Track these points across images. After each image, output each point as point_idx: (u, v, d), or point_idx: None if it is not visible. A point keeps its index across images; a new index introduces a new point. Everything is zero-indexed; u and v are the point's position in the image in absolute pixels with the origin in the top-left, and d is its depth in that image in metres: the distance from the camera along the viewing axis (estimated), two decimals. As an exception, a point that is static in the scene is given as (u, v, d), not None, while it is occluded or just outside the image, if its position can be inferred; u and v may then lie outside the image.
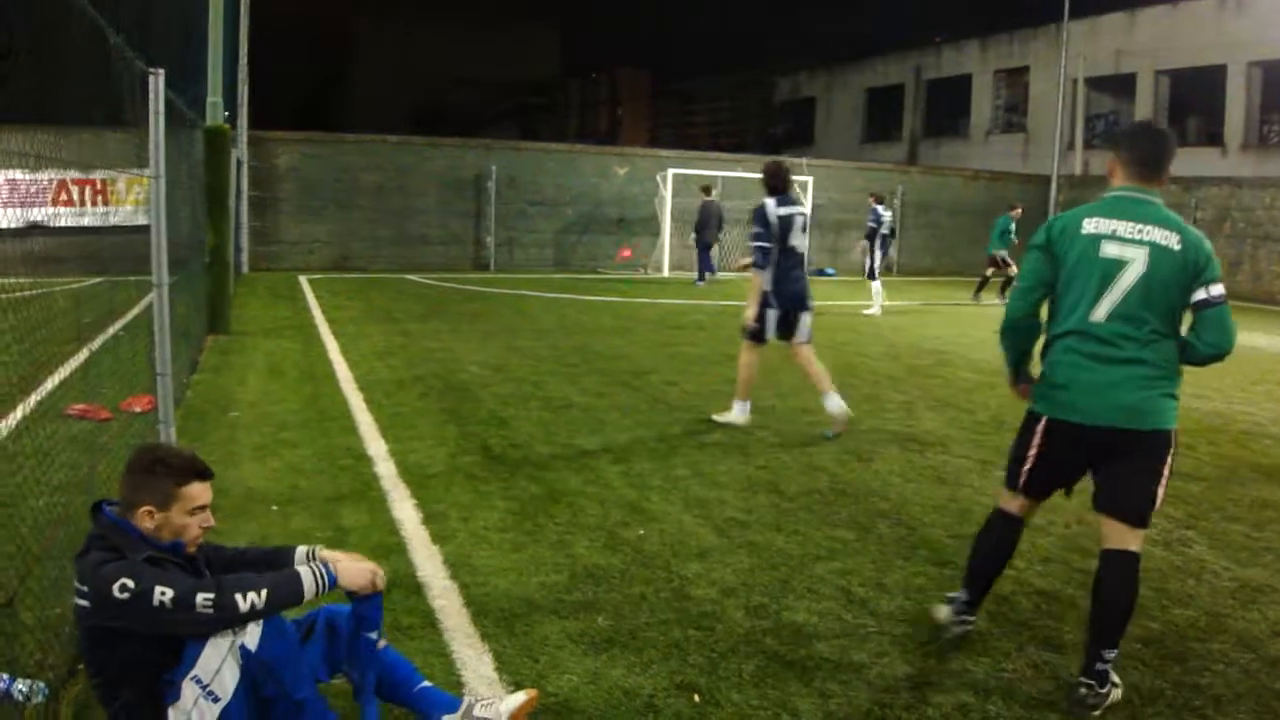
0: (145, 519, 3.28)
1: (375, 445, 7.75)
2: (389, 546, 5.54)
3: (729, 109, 65.65)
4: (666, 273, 25.89)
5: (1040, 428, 4.35)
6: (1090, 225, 4.15)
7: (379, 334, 13.75)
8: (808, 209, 8.84)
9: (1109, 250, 4.10)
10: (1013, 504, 4.54)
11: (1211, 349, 4.18)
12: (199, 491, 3.38)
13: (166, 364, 7.48)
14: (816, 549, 5.69)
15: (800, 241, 8.70)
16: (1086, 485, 4.40)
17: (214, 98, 13.86)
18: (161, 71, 7.21)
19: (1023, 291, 4.43)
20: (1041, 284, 4.34)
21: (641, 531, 5.87)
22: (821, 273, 28.63)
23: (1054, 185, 33.06)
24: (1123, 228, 4.10)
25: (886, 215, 19.34)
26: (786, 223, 8.58)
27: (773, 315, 8.70)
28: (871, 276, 19.11)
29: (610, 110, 79.75)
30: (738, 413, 8.92)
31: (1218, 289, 4.12)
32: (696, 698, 3.98)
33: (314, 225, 24.79)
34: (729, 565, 5.39)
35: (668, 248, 26.24)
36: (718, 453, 7.82)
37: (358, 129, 31.40)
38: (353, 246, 25.06)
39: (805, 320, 8.82)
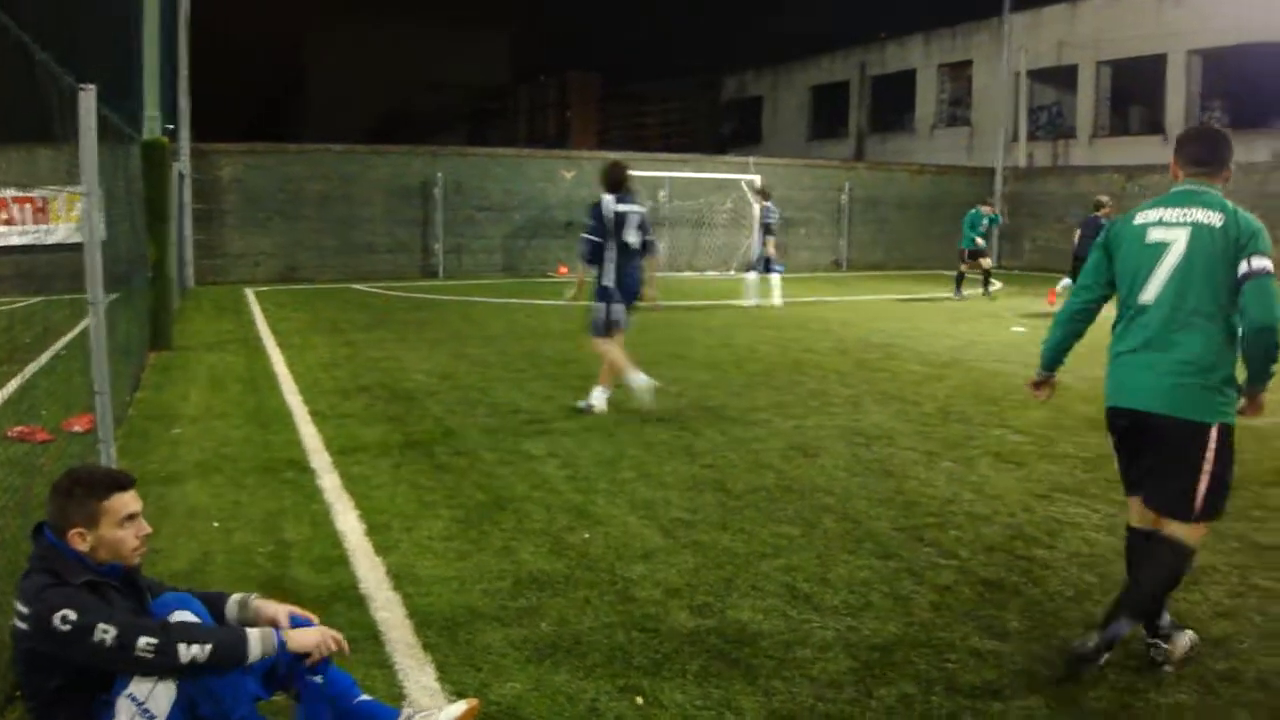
0: (78, 540, 3.24)
1: (319, 458, 7.67)
2: (332, 559, 5.48)
3: (678, 110, 65.74)
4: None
5: (1108, 420, 4.54)
6: (1140, 217, 4.35)
7: (325, 345, 13.63)
8: (643, 209, 9.51)
9: (1154, 235, 4.25)
10: (1131, 514, 4.57)
11: (1252, 324, 4.09)
12: (124, 502, 3.33)
13: (105, 382, 7.36)
14: (762, 546, 5.69)
15: (634, 238, 9.21)
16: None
17: (151, 111, 13.69)
18: (93, 87, 7.10)
19: (1079, 289, 4.61)
20: (1097, 282, 4.50)
21: (587, 535, 5.84)
22: (769, 269, 28.70)
23: (999, 177, 33.37)
24: (1169, 214, 4.25)
25: (776, 212, 19.79)
26: (621, 219, 9.16)
27: (618, 309, 9.31)
28: (769, 270, 19.35)
29: (560, 113, 79.65)
30: (597, 398, 9.37)
31: (1259, 261, 4.09)
32: (639, 700, 3.95)
33: (259, 237, 24.56)
34: (674, 566, 5.37)
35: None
36: (664, 453, 7.80)
37: (310, 138, 31.16)
38: (299, 257, 24.85)
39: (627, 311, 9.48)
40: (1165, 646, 4.31)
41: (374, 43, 73.85)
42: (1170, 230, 4.20)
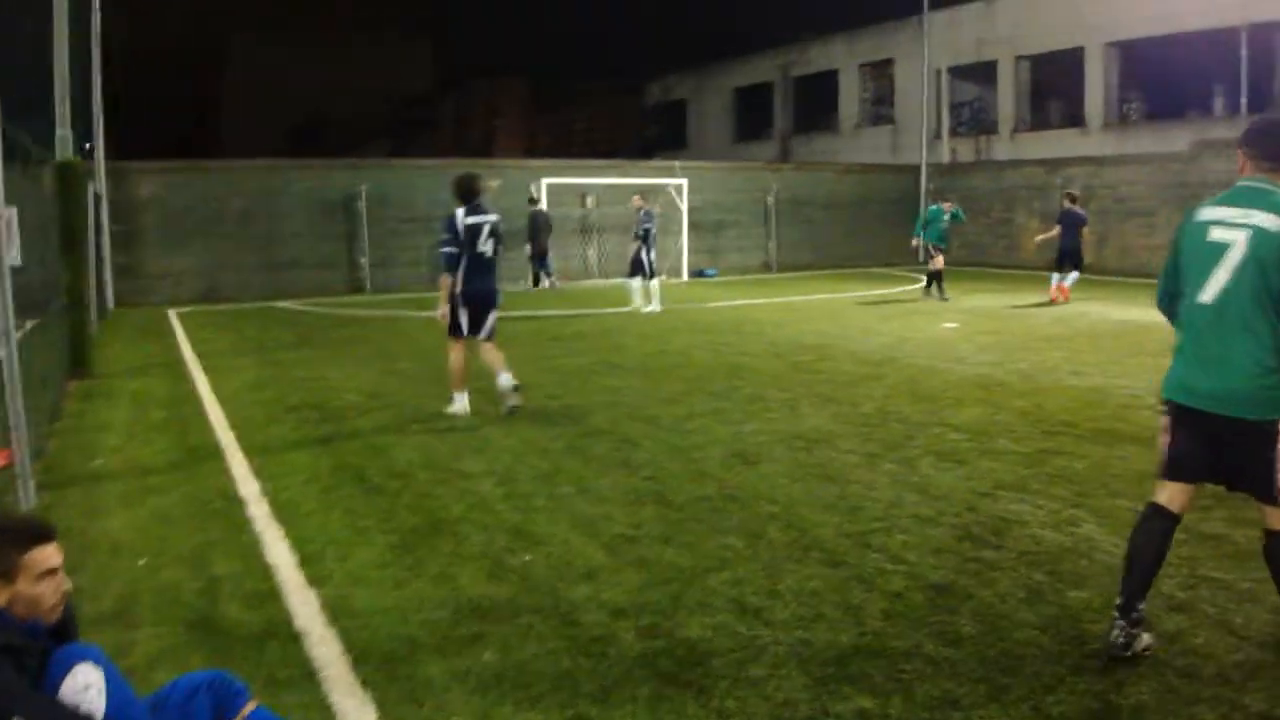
0: None
1: (247, 485, 7.42)
2: (263, 594, 5.26)
3: (604, 115, 65.62)
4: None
5: (1167, 410, 4.48)
6: (1203, 214, 4.33)
7: (250, 366, 13.31)
8: (495, 218, 9.94)
9: (1214, 235, 4.22)
10: (1161, 494, 4.51)
11: None
12: (45, 556, 3.12)
13: (20, 417, 7.08)
14: (707, 560, 5.56)
15: (487, 247, 9.67)
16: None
17: (63, 130, 13.26)
18: (-7, 107, 6.83)
19: (1160, 281, 4.60)
20: (1168, 276, 4.51)
21: (528, 556, 5.68)
22: (702, 274, 28.71)
23: (924, 174, 33.66)
24: (1230, 214, 4.22)
25: (653, 218, 19.59)
26: (474, 230, 9.58)
27: (464, 313, 9.75)
28: (650, 275, 19.21)
29: (486, 121, 79.11)
30: (458, 404, 9.79)
31: None
32: (589, 730, 3.81)
33: (180, 257, 23.99)
34: (618, 585, 5.22)
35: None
36: (601, 466, 7.65)
37: (229, 153, 30.59)
38: (221, 276, 24.31)
39: (491, 318, 9.91)
40: (1137, 635, 4.33)
41: (293, 54, 72.83)
42: (1230, 231, 4.18)
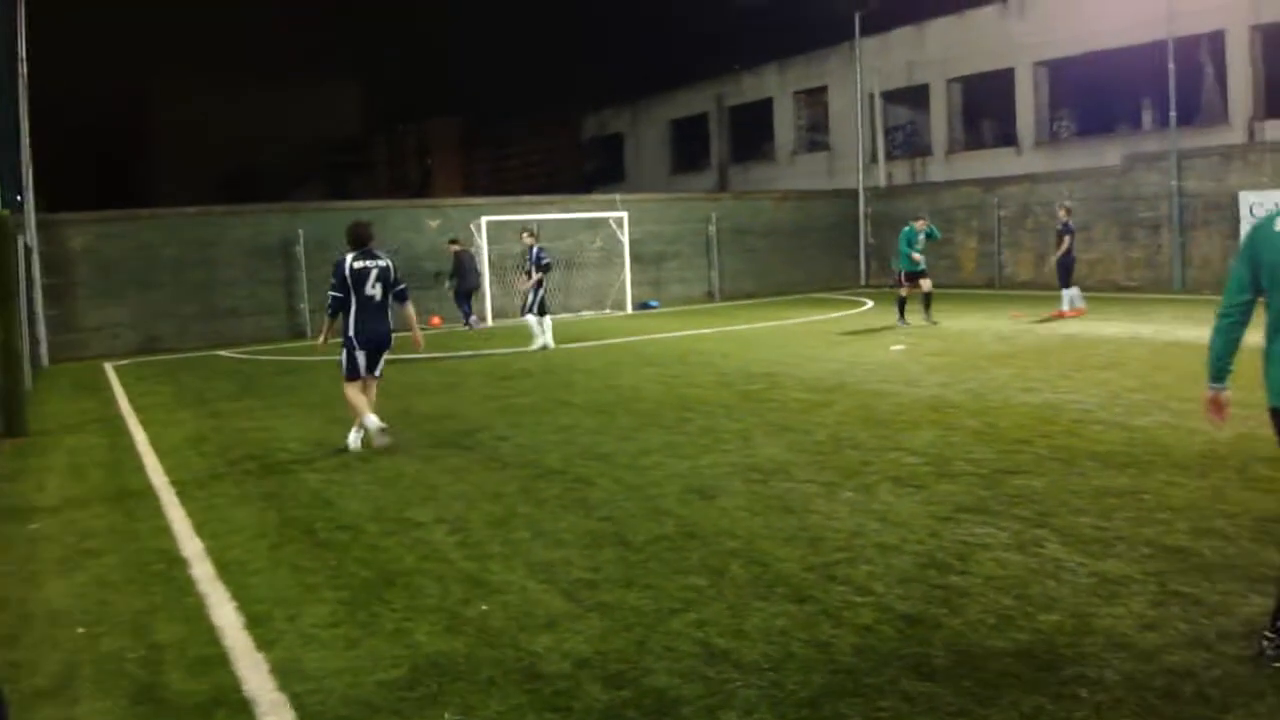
0: None
1: (190, 544, 7.16)
2: (209, 659, 5.04)
3: (540, 150, 65.60)
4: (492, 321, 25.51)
5: (1271, 417, 4.50)
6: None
7: (190, 419, 12.99)
8: (385, 263, 10.25)
9: None
10: None
11: None
12: None
13: (-55, 482, 6.81)
14: (670, 601, 5.41)
15: (375, 291, 10.03)
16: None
17: (-14, 185, 12.94)
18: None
19: (1225, 294, 4.58)
20: (1241, 288, 4.51)
21: (485, 607, 5.49)
22: (646, 306, 28.65)
23: (861, 199, 33.91)
24: None
25: (546, 253, 19.48)
26: (360, 275, 9.95)
27: (360, 355, 10.10)
28: (539, 312, 19.08)
29: (420, 161, 78.83)
30: (353, 439, 10.20)
31: None
32: (558, 792, 3.64)
33: (115, 308, 23.52)
34: (580, 632, 5.05)
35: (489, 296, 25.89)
36: (557, 508, 7.48)
37: (161, 202, 30.11)
38: (159, 327, 23.86)
39: (382, 359, 10.35)
40: None
41: (221, 102, 72.22)
42: None
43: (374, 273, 10.01)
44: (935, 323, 19.78)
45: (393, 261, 10.41)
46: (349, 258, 9.97)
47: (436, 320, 24.92)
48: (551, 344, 18.93)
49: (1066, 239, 20.37)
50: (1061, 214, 20.77)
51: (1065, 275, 20.48)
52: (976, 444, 8.89)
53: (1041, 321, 19.57)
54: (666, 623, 5.12)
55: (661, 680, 4.46)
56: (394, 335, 10.42)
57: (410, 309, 10.63)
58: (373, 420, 9.99)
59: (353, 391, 10.16)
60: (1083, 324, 18.41)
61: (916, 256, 20.02)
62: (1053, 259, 21.17)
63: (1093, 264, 27.15)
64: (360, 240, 10.13)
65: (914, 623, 4.97)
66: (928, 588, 5.43)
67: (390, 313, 10.30)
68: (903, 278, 20.28)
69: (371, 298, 9.99)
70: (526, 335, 20.66)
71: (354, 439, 10.18)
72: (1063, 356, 14.20)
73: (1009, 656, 4.52)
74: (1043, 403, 10.73)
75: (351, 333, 10.00)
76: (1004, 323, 19.52)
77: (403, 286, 10.40)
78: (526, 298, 19.12)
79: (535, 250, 19.05)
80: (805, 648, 4.72)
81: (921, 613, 5.09)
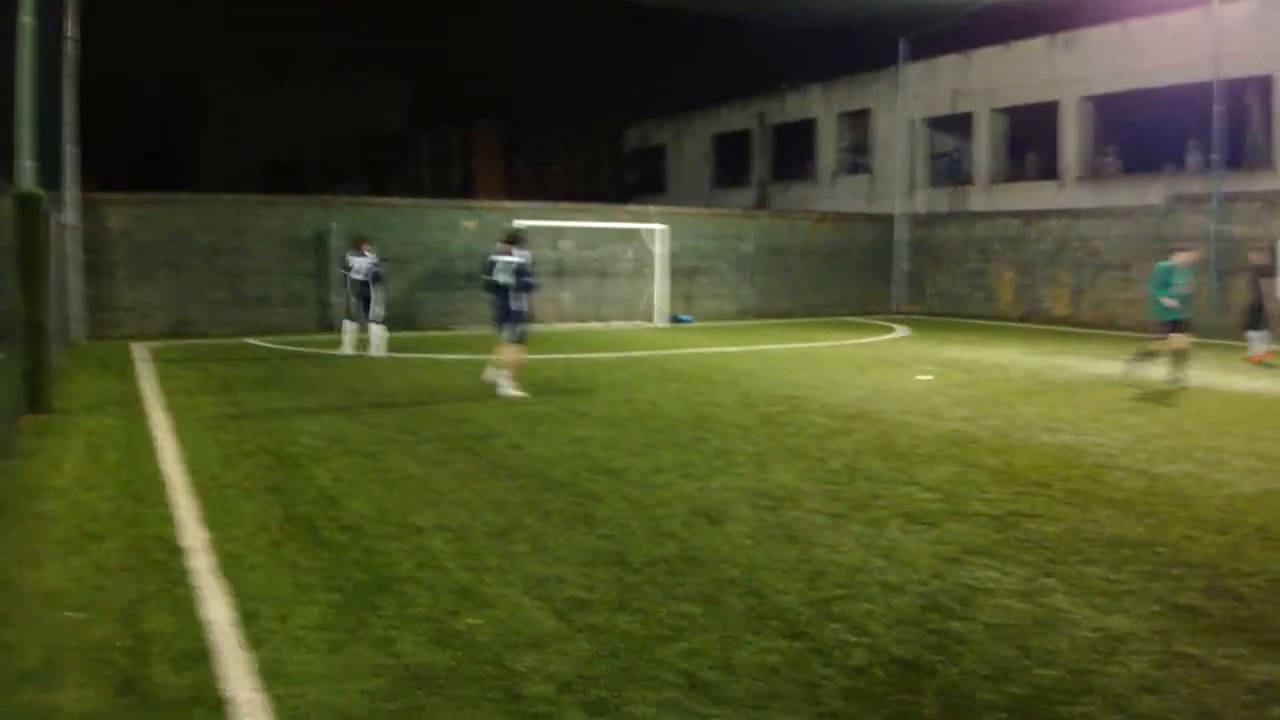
0: None
1: (192, 534, 7.14)
2: (194, 654, 4.99)
3: (582, 159, 65.64)
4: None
5: None
6: None
7: (212, 405, 13.03)
8: (513, 259, 13.70)
9: None
10: None
11: None
12: None
13: (-46, 457, 6.83)
14: (661, 628, 5.31)
15: (504, 278, 13.58)
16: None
17: (26, 160, 13.03)
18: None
19: None
20: None
21: (474, 620, 5.41)
22: (677, 319, 28.59)
23: (900, 224, 33.74)
24: None
25: (362, 262, 19.38)
26: (490, 266, 13.73)
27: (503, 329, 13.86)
28: (375, 321, 19.27)
29: (464, 163, 79.08)
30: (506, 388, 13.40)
31: None
32: (524, 820, 3.56)
33: (149, 290, 23.73)
34: (567, 654, 4.97)
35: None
36: (560, 522, 7.40)
37: (201, 188, 30.33)
38: (190, 311, 24.04)
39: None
40: None
41: (266, 91, 72.75)
42: None
43: (500, 264, 13.48)
44: (1180, 383, 15.06)
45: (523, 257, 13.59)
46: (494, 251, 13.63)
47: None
48: (362, 352, 19.18)
49: (1262, 282, 18.85)
50: (1256, 256, 19.65)
51: (1257, 318, 18.85)
52: (993, 483, 8.76)
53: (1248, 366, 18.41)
54: (654, 650, 5.03)
55: (642, 710, 4.37)
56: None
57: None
58: (506, 389, 13.58)
59: (512, 353, 13.70)
60: (1114, 365, 18.16)
61: (1171, 302, 15.12)
62: (1254, 300, 19.03)
63: (1130, 304, 26.89)
64: (509, 240, 13.73)
65: (908, 668, 4.86)
66: (925, 632, 5.31)
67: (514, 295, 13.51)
68: (1160, 328, 15.40)
69: (499, 283, 13.53)
70: (553, 343, 20.65)
71: (506, 389, 13.59)
72: (1091, 397, 14.01)
73: (1001, 711, 4.40)
74: (1065, 444, 10.57)
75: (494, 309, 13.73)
76: (1039, 358, 19.27)
77: (528, 279, 13.61)
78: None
79: (373, 260, 19.31)
80: (793, 687, 4.62)
81: (916, 658, 4.97)
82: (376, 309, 19.27)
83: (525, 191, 62.31)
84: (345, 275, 19.54)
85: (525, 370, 14.31)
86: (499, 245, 14.10)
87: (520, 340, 13.69)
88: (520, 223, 26.02)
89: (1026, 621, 5.48)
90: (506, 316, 13.66)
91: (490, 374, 14.14)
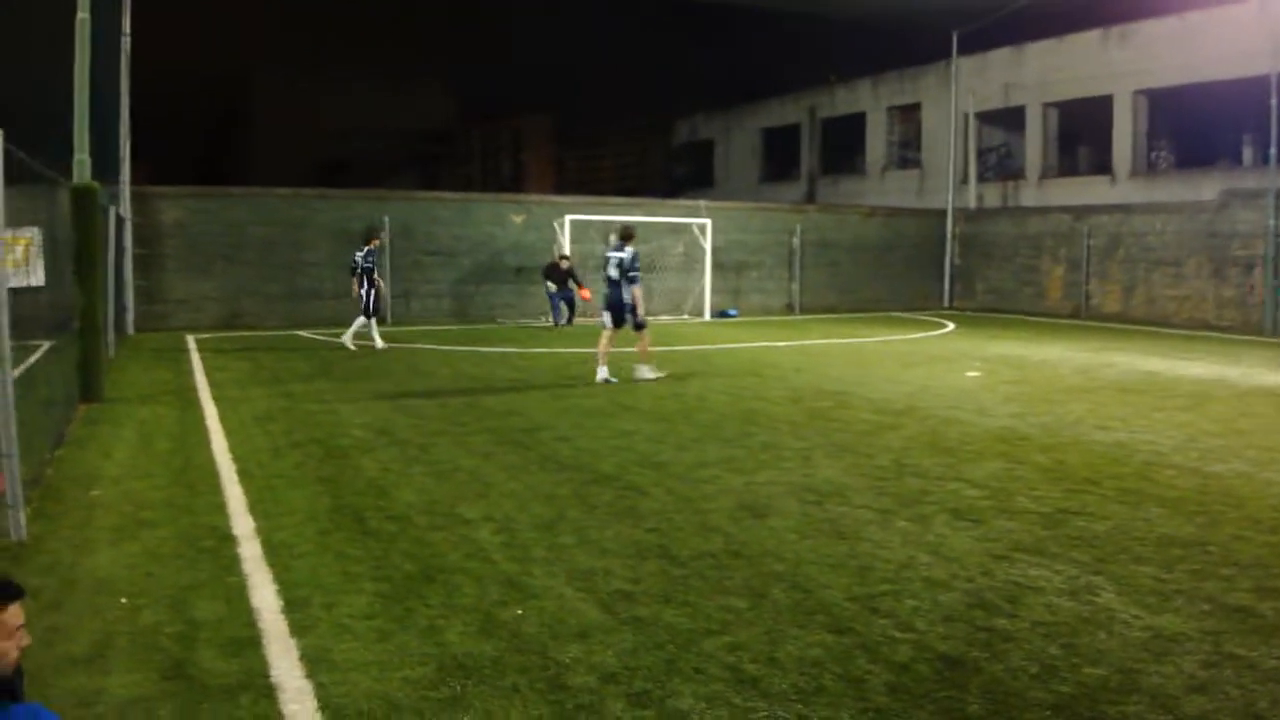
0: None
1: (242, 523, 7.24)
2: (243, 641, 5.06)
3: (631, 153, 65.67)
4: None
5: None
6: None
7: (262, 397, 13.17)
8: (619, 254, 14.73)
9: None
10: None
11: None
12: (12, 614, 2.96)
13: (12, 444, 6.94)
14: (706, 621, 5.32)
15: (613, 273, 14.69)
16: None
17: (80, 155, 13.20)
18: (-1, 132, 6.73)
19: None
20: None
21: (520, 611, 5.45)
22: (724, 314, 28.53)
23: (950, 219, 33.45)
24: None
25: (359, 256, 19.42)
26: (604, 261, 14.98)
27: (604, 316, 14.86)
28: (368, 314, 19.16)
29: (514, 157, 79.38)
30: (602, 374, 14.52)
31: None
32: (568, 810, 3.58)
33: (202, 282, 24.03)
34: (611, 646, 4.98)
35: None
36: (607, 516, 7.42)
37: (254, 182, 30.68)
38: (243, 303, 24.33)
39: (625, 317, 14.72)
40: None
41: (319, 86, 73.30)
42: None
43: (611, 259, 14.61)
44: None
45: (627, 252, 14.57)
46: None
47: (585, 293, 24.47)
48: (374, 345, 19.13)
49: None
50: None
51: None
52: (1042, 480, 8.67)
53: None
54: (699, 643, 5.03)
55: (686, 703, 4.38)
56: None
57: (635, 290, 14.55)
58: (603, 371, 14.44)
59: (605, 340, 14.66)
60: (1169, 361, 17.91)
61: None
62: None
63: (1182, 301, 26.53)
64: (622, 235, 14.88)
65: (953, 665, 4.83)
66: (972, 629, 5.28)
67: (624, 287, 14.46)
68: None
69: (609, 277, 14.60)
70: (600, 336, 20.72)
71: (602, 373, 14.47)
72: (1142, 395, 13.83)
73: (1047, 709, 4.36)
74: (1116, 442, 10.44)
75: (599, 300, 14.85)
76: (1089, 355, 19.03)
77: (633, 274, 14.50)
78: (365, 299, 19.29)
79: (368, 251, 19.35)
80: (837, 682, 4.61)
81: (962, 655, 4.94)
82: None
83: (574, 186, 62.37)
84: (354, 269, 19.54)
85: (574, 364, 14.33)
86: (614, 241, 15.28)
87: (617, 326, 14.73)
88: (573, 217, 26.11)
89: (1075, 620, 5.42)
90: (621, 309, 14.66)
91: (641, 371, 14.90)
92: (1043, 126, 33.20)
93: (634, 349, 15.20)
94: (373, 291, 19.06)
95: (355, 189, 28.12)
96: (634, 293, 14.50)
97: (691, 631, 5.18)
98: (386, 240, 25.04)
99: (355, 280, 19.23)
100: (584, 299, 24.03)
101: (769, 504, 7.76)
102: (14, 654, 3.02)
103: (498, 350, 19.17)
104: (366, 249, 19.34)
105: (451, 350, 19.06)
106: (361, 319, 19.11)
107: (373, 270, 19.18)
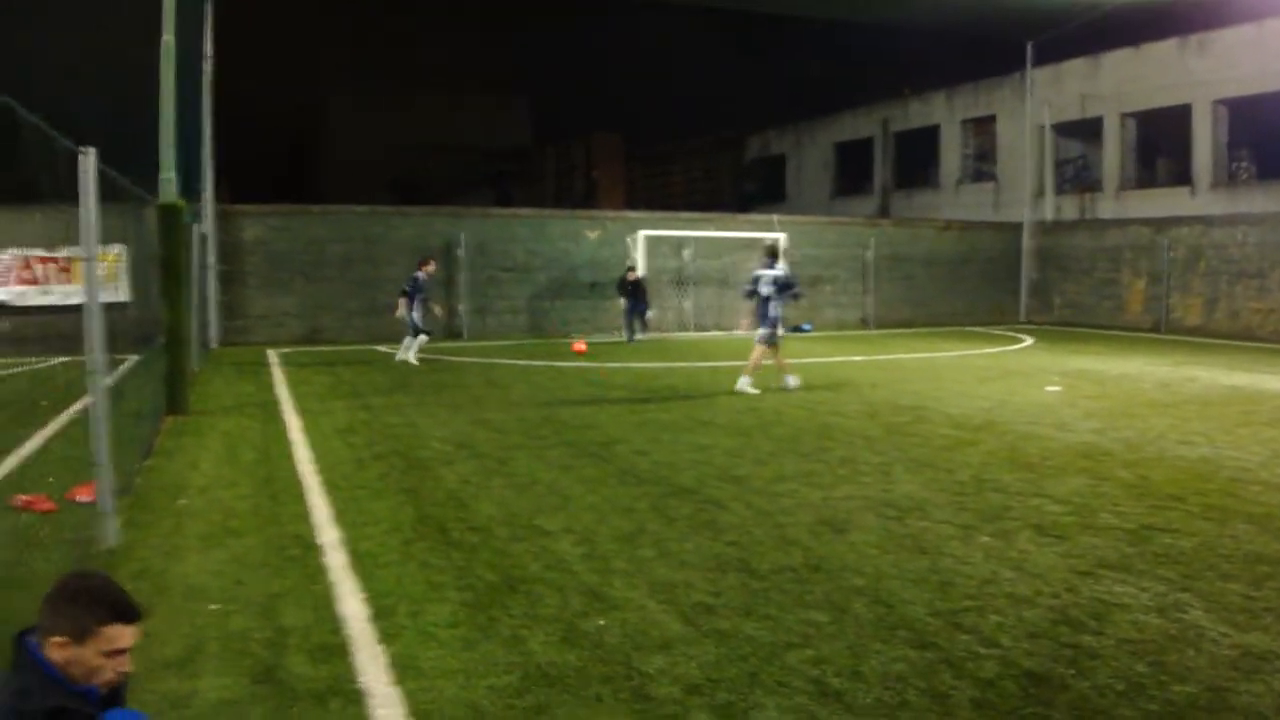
0: (56, 650, 2.93)
1: (327, 533, 7.37)
2: (330, 648, 5.16)
3: (702, 168, 65.69)
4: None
5: None
6: None
7: (343, 410, 13.38)
8: (773, 271, 15.21)
9: None
10: None
11: None
12: (120, 634, 3.01)
13: (104, 455, 7.13)
14: (788, 635, 5.32)
15: (765, 290, 15.16)
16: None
17: (166, 174, 13.55)
18: (92, 150, 6.94)
19: None
20: None
21: (602, 622, 5.50)
22: (798, 329, 28.42)
23: (1026, 232, 33.05)
24: None
25: (421, 276, 19.42)
26: (758, 279, 15.29)
27: (763, 332, 15.21)
28: (416, 332, 19.19)
29: (585, 174, 79.81)
30: (742, 383, 15.11)
31: None
32: (655, 818, 3.61)
33: (282, 298, 24.50)
34: (694, 658, 5.01)
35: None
36: (686, 528, 7.45)
37: (332, 200, 31.17)
38: (322, 319, 24.75)
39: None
40: None
41: (395, 106, 74.36)
42: None
43: (765, 277, 15.13)
44: None
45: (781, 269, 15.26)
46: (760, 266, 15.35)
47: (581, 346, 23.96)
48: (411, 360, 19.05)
49: None
50: None
51: None
52: (1125, 496, 8.54)
53: None
54: (782, 656, 5.04)
55: (770, 715, 4.39)
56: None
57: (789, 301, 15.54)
58: (744, 383, 14.97)
59: (769, 352, 15.15)
60: (1253, 375, 17.52)
61: None
62: None
63: (1267, 314, 25.96)
64: (769, 254, 15.49)
65: (1039, 681, 4.78)
66: (1057, 645, 5.22)
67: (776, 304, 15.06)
68: None
69: (761, 294, 15.16)
70: (674, 351, 20.72)
71: (791, 381, 15.26)
72: (1226, 410, 13.55)
73: (1137, 726, 4.31)
74: (1200, 457, 10.25)
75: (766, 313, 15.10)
76: (1170, 369, 18.69)
77: (795, 290, 15.51)
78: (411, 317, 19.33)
79: (414, 277, 19.33)
80: (922, 697, 4.59)
81: (1048, 671, 4.89)
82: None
83: (645, 201, 62.49)
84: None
85: (651, 378, 14.36)
86: (762, 260, 15.64)
87: (770, 343, 15.17)
88: (646, 232, 26.22)
89: (1162, 637, 5.34)
90: (765, 323, 15.22)
91: (789, 380, 15.43)
92: (1120, 137, 32.67)
93: (779, 362, 15.61)
94: (419, 311, 19.18)
95: (431, 205, 28.48)
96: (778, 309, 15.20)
97: (773, 644, 5.19)
98: (462, 257, 25.35)
99: (404, 300, 19.34)
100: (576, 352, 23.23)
101: (848, 519, 7.74)
102: (109, 675, 2.99)
103: (573, 365, 19.27)
104: (418, 273, 19.47)
105: (527, 365, 19.22)
106: (413, 337, 19.29)
107: (418, 292, 19.26)
